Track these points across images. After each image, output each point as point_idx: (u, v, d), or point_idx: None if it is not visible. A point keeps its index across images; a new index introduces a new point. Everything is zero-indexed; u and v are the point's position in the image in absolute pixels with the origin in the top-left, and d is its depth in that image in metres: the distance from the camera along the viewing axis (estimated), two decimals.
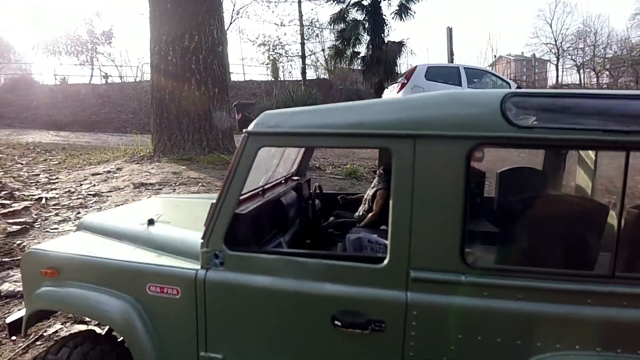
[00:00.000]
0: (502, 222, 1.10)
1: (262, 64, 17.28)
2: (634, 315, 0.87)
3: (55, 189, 3.70)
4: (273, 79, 16.50)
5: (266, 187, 1.48)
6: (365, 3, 13.80)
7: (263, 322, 1.04)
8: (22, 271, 1.33)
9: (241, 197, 1.25)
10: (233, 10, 17.73)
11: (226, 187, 1.05)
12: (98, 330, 1.58)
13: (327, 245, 1.57)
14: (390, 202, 0.95)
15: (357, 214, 1.69)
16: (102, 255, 1.21)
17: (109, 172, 4.31)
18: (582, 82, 15.27)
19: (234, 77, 17.85)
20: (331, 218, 1.72)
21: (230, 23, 17.72)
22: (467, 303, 0.92)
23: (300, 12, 16.30)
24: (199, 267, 1.08)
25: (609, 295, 0.88)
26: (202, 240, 1.07)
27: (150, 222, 1.32)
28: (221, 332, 1.06)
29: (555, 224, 1.06)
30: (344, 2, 14.01)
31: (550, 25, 20.64)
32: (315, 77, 17.84)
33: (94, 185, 3.78)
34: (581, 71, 17.01)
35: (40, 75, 19.08)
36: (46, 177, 4.28)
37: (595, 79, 14.75)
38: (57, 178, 4.24)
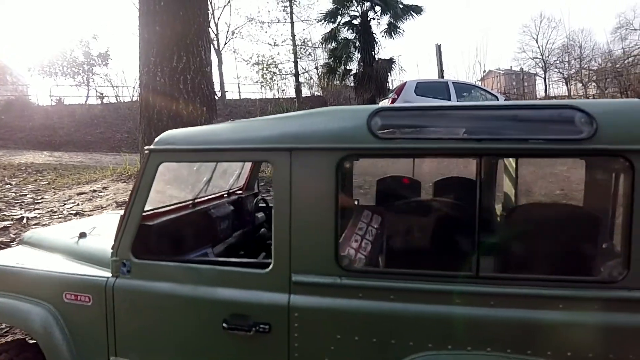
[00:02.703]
0: (376, 227, 1.18)
1: (256, 82, 17.58)
2: (501, 314, 0.90)
3: (38, 208, 3.71)
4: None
5: (197, 200, 1.56)
6: (355, 22, 14.23)
7: (164, 327, 1.09)
8: None
9: (166, 209, 1.34)
10: (228, 31, 18.20)
11: (131, 201, 1.12)
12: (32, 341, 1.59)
13: (260, 255, 1.62)
14: (273, 212, 1.01)
15: None
16: (26, 266, 1.27)
17: (94, 191, 4.33)
18: (570, 93, 15.60)
19: (229, 96, 18.11)
20: (262, 229, 1.78)
21: (225, 43, 18.17)
22: (343, 304, 0.97)
23: (292, 32, 16.75)
24: (110, 275, 1.15)
25: (475, 295, 0.92)
26: (112, 250, 1.14)
27: (82, 235, 1.39)
28: (128, 336, 1.12)
29: (424, 228, 1.12)
30: (334, 22, 14.43)
31: (536, 40, 21.33)
32: (309, 95, 18.12)
33: (78, 204, 3.79)
34: (569, 83, 17.43)
35: (35, 96, 19.33)
36: (32, 197, 4.29)
37: (583, 90, 15.08)
38: (42, 198, 4.25)
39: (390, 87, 13.52)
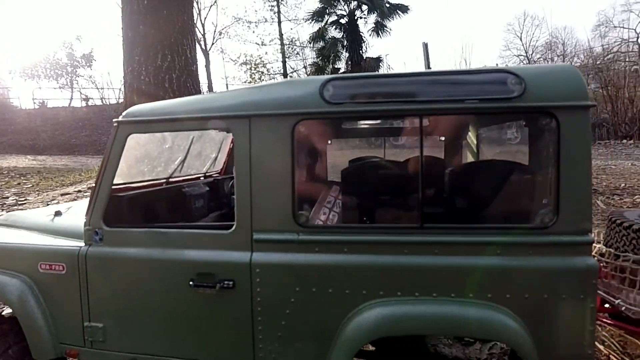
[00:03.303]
0: (331, 186, 1.26)
1: (245, 82, 17.49)
2: (445, 261, 0.97)
3: (21, 209, 3.64)
4: None
5: (171, 179, 1.62)
6: (342, 22, 14.29)
7: (135, 290, 1.14)
8: None
9: (139, 184, 1.37)
10: (215, 31, 18.06)
11: (101, 172, 1.16)
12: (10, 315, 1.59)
13: None
14: (234, 175, 1.07)
15: None
16: (2, 241, 1.30)
17: (79, 191, 4.27)
18: None
19: None
20: None
21: (212, 43, 18.03)
22: (301, 259, 1.03)
23: (280, 31, 16.71)
24: (83, 244, 1.19)
25: (420, 244, 0.99)
26: (85, 220, 1.18)
27: (57, 213, 1.42)
28: (101, 302, 1.16)
29: (374, 185, 1.19)
30: (322, 21, 14.46)
31: (520, 38, 21.71)
32: None
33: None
34: None
35: (18, 99, 18.84)
36: (14, 200, 4.21)
37: None
38: (25, 200, 4.18)
39: None
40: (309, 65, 16.68)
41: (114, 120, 1.15)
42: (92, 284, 1.15)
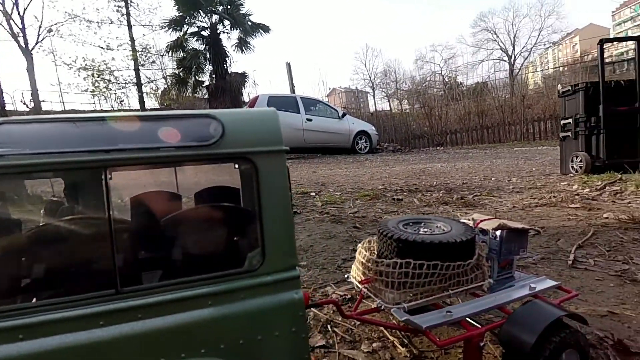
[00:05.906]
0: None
1: (85, 91, 14.84)
2: (149, 325, 0.89)
3: None
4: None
5: None
6: (204, 34, 13.88)
7: None
8: None
9: None
10: (40, 27, 14.76)
11: None
12: None
13: None
14: None
15: None
16: None
17: None
18: (391, 108, 19.53)
19: (46, 106, 14.70)
20: None
21: (37, 42, 14.68)
22: None
23: (131, 36, 14.97)
24: None
25: (119, 311, 0.87)
26: None
27: None
28: None
29: (54, 251, 1.02)
30: (181, 31, 13.71)
31: (365, 65, 25.89)
32: (157, 106, 16.53)
33: None
34: (390, 100, 21.88)
35: None
36: None
37: (399, 106, 19.14)
38: None
39: (246, 101, 13.77)
40: (169, 75, 15.53)
41: None
42: None
